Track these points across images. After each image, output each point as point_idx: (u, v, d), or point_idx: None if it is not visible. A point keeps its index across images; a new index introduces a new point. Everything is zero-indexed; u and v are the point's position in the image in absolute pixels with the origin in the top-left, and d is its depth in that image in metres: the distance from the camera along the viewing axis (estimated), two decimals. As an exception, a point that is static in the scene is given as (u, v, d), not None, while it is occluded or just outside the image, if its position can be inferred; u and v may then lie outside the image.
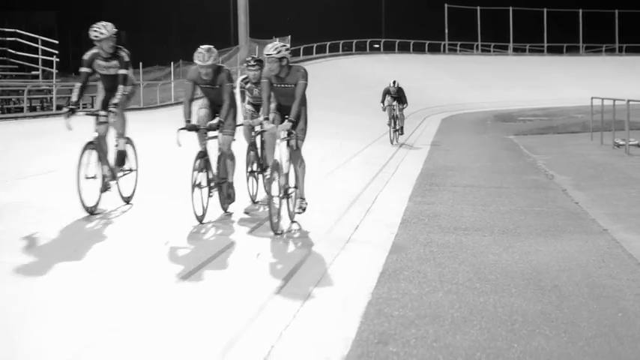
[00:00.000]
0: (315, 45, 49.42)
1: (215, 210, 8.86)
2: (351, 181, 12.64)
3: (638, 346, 4.79)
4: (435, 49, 60.72)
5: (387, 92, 21.35)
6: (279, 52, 8.14)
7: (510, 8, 67.51)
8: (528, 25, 66.19)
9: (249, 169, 10.11)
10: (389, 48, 57.02)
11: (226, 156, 9.10)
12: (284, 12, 61.55)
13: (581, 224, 8.94)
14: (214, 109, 8.95)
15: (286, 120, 8.17)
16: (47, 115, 21.96)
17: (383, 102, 21.25)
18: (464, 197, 11.08)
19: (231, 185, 9.14)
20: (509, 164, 15.58)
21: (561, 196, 11.12)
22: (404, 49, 58.13)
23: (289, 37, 45.37)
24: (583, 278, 6.41)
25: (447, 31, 64.18)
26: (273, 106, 8.46)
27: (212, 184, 8.80)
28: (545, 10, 68.27)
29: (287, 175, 8.30)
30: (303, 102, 8.36)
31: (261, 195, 9.96)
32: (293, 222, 8.58)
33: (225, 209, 9.16)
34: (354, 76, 43.77)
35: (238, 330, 5.03)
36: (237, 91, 9.93)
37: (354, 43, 53.43)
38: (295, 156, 8.40)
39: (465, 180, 12.98)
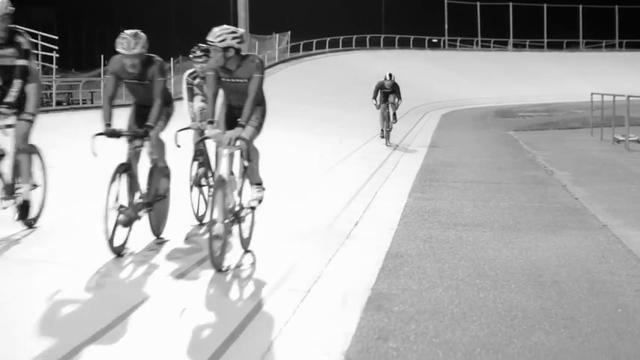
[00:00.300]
0: (314, 41, 49.41)
1: (141, 238, 7.25)
2: (351, 176, 12.65)
3: (637, 342, 4.79)
4: (435, 45, 60.75)
5: (380, 87, 19.27)
6: (222, 41, 6.60)
7: (510, 4, 67.52)
8: (528, 20, 66.19)
9: (195, 182, 8.62)
10: (389, 44, 57.00)
11: (158, 170, 7.54)
12: (284, 8, 61.50)
13: (581, 220, 8.93)
14: (143, 111, 7.35)
15: (237, 125, 6.71)
16: (47, 111, 21.95)
17: (375, 98, 19.28)
18: (464, 193, 11.08)
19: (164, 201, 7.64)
20: (509, 160, 15.57)
21: (561, 192, 11.12)
22: (404, 45, 58.11)
23: (289, 32, 45.46)
24: (583, 274, 6.41)
25: (446, 26, 64.19)
26: (220, 102, 7.09)
27: (140, 204, 7.17)
28: (545, 5, 68.28)
29: (240, 192, 6.98)
30: (259, 100, 6.93)
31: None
32: (247, 252, 7.06)
33: (158, 234, 7.57)
34: (354, 72, 43.72)
35: (238, 326, 5.03)
36: (183, 87, 8.85)
37: (353, 39, 53.40)
38: (249, 168, 7.09)
39: (465, 176, 12.97)
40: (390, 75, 19.38)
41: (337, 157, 15.46)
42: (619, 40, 69.46)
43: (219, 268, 6.30)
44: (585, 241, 7.74)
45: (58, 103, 23.87)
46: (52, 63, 24.51)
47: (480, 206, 9.85)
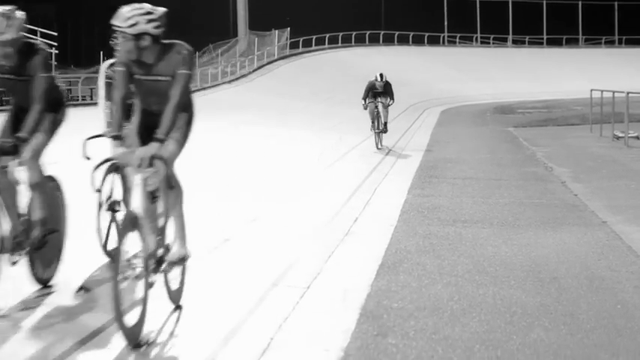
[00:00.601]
0: (314, 37, 49.39)
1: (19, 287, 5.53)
2: (350, 173, 12.66)
3: (636, 338, 4.80)
4: (434, 41, 60.66)
5: (371, 88, 17.74)
6: (133, 26, 4.90)
7: (510, 0, 67.45)
8: (528, 17, 66.12)
9: (107, 206, 6.59)
10: (388, 40, 56.97)
11: (38, 194, 5.58)
12: (283, 4, 61.43)
13: (581, 216, 8.94)
14: (24, 116, 5.41)
15: (153, 139, 4.83)
16: (46, 108, 21.94)
17: (365, 99, 17.75)
18: (463, 189, 11.08)
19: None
20: (509, 156, 15.58)
21: (560, 189, 11.12)
22: (403, 41, 58.08)
23: (288, 29, 45.46)
24: (582, 270, 6.41)
25: (446, 23, 64.12)
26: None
27: (16, 241, 5.34)
28: (544, 2, 68.23)
29: (162, 229, 5.11)
30: (184, 104, 5.11)
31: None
32: (177, 307, 5.30)
33: (45, 281, 5.65)
34: (353, 68, 43.66)
35: (238, 322, 5.03)
36: (100, 82, 7.31)
37: (353, 36, 53.37)
38: (165, 193, 5.03)
39: (464, 172, 12.97)
40: (382, 75, 17.74)
41: (336, 154, 15.47)
42: (618, 37, 69.42)
43: (134, 344, 4.50)
44: (585, 237, 7.74)
45: (58, 99, 23.84)
46: (51, 59, 24.49)
47: (479, 203, 9.85)
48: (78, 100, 25.11)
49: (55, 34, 25.37)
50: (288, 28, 46.14)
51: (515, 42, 66.30)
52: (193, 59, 5.18)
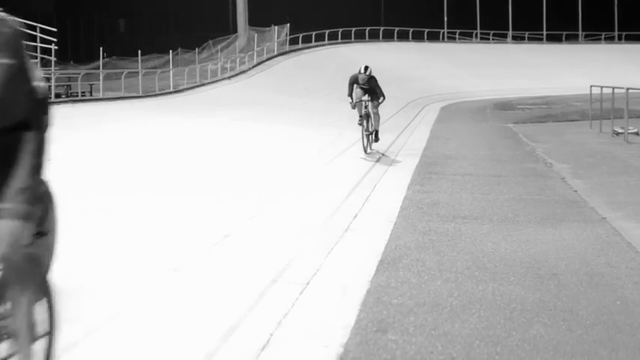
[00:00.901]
0: (313, 33, 49.38)
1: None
2: (350, 169, 12.66)
3: (636, 334, 4.80)
4: (434, 38, 60.64)
5: (354, 81, 15.60)
6: None
7: (510, -4, 67.43)
8: (527, 13, 66.09)
9: None
10: (388, 36, 56.95)
11: None
12: (282, 0, 61.42)
13: (580, 212, 8.94)
14: None
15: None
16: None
17: (351, 95, 15.53)
18: (463, 186, 11.08)
19: None
20: (508, 153, 15.58)
21: (560, 185, 11.12)
22: (403, 37, 58.07)
23: (288, 25, 45.42)
24: (582, 266, 6.41)
25: (446, 19, 64.11)
26: None
27: None
28: (544, -2, 68.23)
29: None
30: (32, 117, 2.95)
31: None
32: None
33: None
34: (353, 64, 43.49)
35: (237, 318, 5.03)
36: None
37: (352, 32, 53.35)
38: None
39: (464, 168, 12.97)
40: (366, 68, 15.50)
41: (336, 150, 15.47)
42: (618, 33, 69.40)
43: None
44: (584, 233, 7.74)
45: (57, 96, 23.84)
46: (50, 55, 24.45)
47: (479, 199, 9.86)
48: (77, 96, 25.08)
49: (55, 30, 25.29)
50: (288, 24, 46.10)
51: (515, 38, 66.29)
52: (21, 41, 3.03)
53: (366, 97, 15.26)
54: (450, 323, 4.94)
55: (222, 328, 4.84)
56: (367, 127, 15.15)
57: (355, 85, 15.34)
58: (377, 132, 15.58)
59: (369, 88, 15.27)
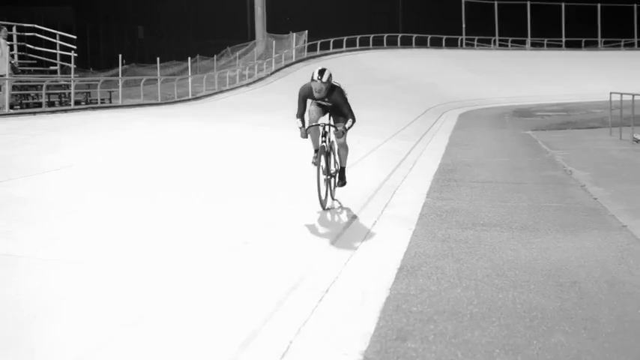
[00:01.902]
0: (332, 40, 49.37)
1: None
2: (369, 176, 12.62)
3: (658, 343, 4.76)
4: (452, 44, 60.50)
5: (306, 94, 9.46)
6: None
7: (528, 2, 67.19)
8: (546, 19, 65.89)
9: None
10: (406, 43, 56.88)
11: None
12: (301, 7, 61.51)
13: (600, 220, 8.88)
14: None
15: None
16: (65, 110, 22.06)
17: (301, 116, 9.43)
18: (482, 193, 11.04)
19: None
20: (528, 160, 15.51)
21: (580, 192, 11.06)
22: (421, 43, 57.98)
23: (306, 32, 45.43)
24: (602, 274, 6.38)
25: (464, 25, 63.95)
26: None
27: None
28: (563, 4, 67.94)
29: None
30: None
31: None
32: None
33: None
34: (371, 70, 43.70)
35: (256, 326, 5.03)
36: None
37: (370, 38, 53.33)
38: None
39: (483, 175, 12.93)
40: (322, 72, 9.35)
41: (355, 157, 15.44)
42: (638, 39, 68.96)
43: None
44: (605, 241, 7.70)
45: (77, 103, 23.95)
46: (70, 62, 24.57)
47: (498, 206, 9.82)
48: (97, 103, 25.19)
49: (75, 37, 25.41)
50: (306, 31, 46.09)
51: (533, 45, 66.00)
52: None
53: (325, 119, 9.73)
54: (470, 331, 4.93)
55: (242, 336, 4.85)
56: (327, 166, 9.64)
57: (309, 102, 9.61)
58: (343, 170, 10.06)
59: (331, 105, 9.52)
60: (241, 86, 35.30)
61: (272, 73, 39.61)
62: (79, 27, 45.79)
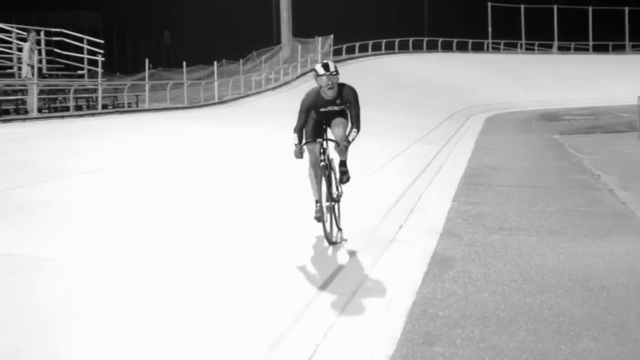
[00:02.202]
0: (357, 44, 49.35)
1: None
2: (394, 180, 12.61)
3: (688, 350, 4.71)
4: (478, 48, 60.25)
5: (312, 104, 7.82)
6: None
7: (555, 6, 66.79)
8: (573, 23, 65.48)
9: None
10: (432, 47, 56.72)
11: None
12: (327, 11, 61.54)
13: (629, 225, 8.80)
14: None
15: None
16: (93, 114, 22.20)
17: (300, 131, 7.63)
18: (508, 197, 10.98)
19: None
20: (555, 164, 15.41)
21: (608, 197, 10.97)
22: (447, 47, 57.80)
23: (332, 36, 45.40)
24: (631, 279, 6.32)
25: (490, 29, 63.69)
26: None
27: None
28: (590, 8, 67.47)
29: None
30: None
31: None
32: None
33: None
34: (397, 74, 43.61)
35: (284, 329, 5.04)
36: None
37: (396, 42, 53.24)
38: None
39: (510, 180, 12.86)
40: (325, 65, 7.75)
41: (380, 161, 15.42)
42: (666, 43, 68.41)
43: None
44: (633, 246, 7.63)
45: (104, 107, 24.09)
46: (97, 67, 24.72)
47: (525, 210, 9.76)
48: (124, 107, 25.32)
49: (102, 42, 25.56)
50: (332, 35, 46.06)
51: (560, 48, 65.59)
52: None
53: (328, 131, 8.08)
54: (498, 336, 4.90)
55: (269, 339, 4.85)
56: (328, 190, 7.93)
57: (312, 114, 7.91)
58: (344, 164, 8.20)
59: (342, 107, 8.01)
60: (267, 90, 35.37)
61: (297, 77, 39.65)
62: (107, 32, 46.08)
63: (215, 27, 64.38)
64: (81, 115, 21.74)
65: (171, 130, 19.92)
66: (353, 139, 7.80)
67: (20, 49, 21.15)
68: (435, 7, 68.39)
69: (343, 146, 7.78)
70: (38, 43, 22.55)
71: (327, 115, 7.96)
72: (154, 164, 12.98)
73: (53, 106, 22.39)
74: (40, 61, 21.87)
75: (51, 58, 24.97)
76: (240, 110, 27.60)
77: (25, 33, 21.99)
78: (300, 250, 7.46)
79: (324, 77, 7.65)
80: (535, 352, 4.63)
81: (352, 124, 7.88)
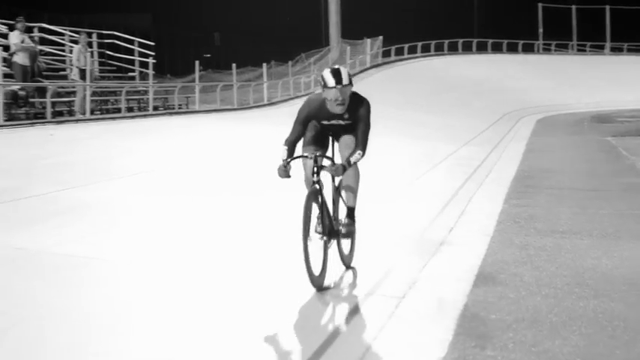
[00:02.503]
0: (406, 45, 49.21)
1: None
2: (444, 183, 12.55)
3: None
4: (529, 49, 59.70)
5: (313, 114, 6.40)
6: None
7: (607, 7, 65.95)
8: (626, 23, 64.54)
9: None
10: (481, 48, 56.35)
11: None
12: (376, 12, 61.48)
13: (685, 229, 8.65)
14: None
15: None
16: (144, 116, 22.44)
17: (292, 144, 6.27)
18: (560, 200, 10.85)
19: None
20: (607, 166, 15.20)
21: (663, 200, 10.79)
22: (497, 49, 57.35)
23: (381, 37, 45.34)
24: (687, 284, 6.20)
25: (541, 30, 63.08)
26: None
27: None
28: (643, 8, 66.52)
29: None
30: None
31: None
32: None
33: None
34: (446, 76, 43.39)
35: (333, 331, 5.04)
36: None
37: (445, 44, 53.00)
38: None
39: (562, 182, 12.71)
40: (337, 72, 6.18)
41: (430, 163, 15.36)
42: None
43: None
44: (689, 250, 7.49)
45: (155, 108, 24.34)
46: (148, 69, 24.98)
47: (577, 213, 9.63)
48: (174, 108, 25.57)
49: (153, 44, 25.84)
50: (381, 37, 45.99)
51: (613, 49, 64.75)
52: None
53: (338, 146, 6.66)
54: (551, 340, 4.84)
55: (319, 340, 4.85)
56: (322, 221, 6.28)
57: (313, 123, 6.55)
58: (352, 212, 6.56)
59: (350, 123, 6.41)
60: (316, 92, 35.44)
61: (346, 79, 39.65)
62: (157, 34, 46.58)
63: (264, 29, 64.69)
64: (132, 117, 22.00)
65: (222, 130, 20.07)
66: (355, 162, 6.21)
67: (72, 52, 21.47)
68: (484, 8, 67.93)
69: (340, 166, 6.10)
70: (90, 45, 22.85)
71: (333, 129, 6.55)
72: (205, 165, 13.08)
73: (105, 108, 22.68)
74: (91, 63, 22.15)
75: (102, 60, 25.31)
76: (290, 112, 27.58)
77: (77, 35, 22.32)
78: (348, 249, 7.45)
79: (334, 90, 6.11)
80: (589, 356, 4.56)
81: (357, 145, 6.24)
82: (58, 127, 17.90)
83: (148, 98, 24.22)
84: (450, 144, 19.35)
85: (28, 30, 20.81)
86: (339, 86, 6.09)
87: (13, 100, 18.55)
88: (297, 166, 6.23)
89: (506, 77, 46.52)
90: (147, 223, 8.31)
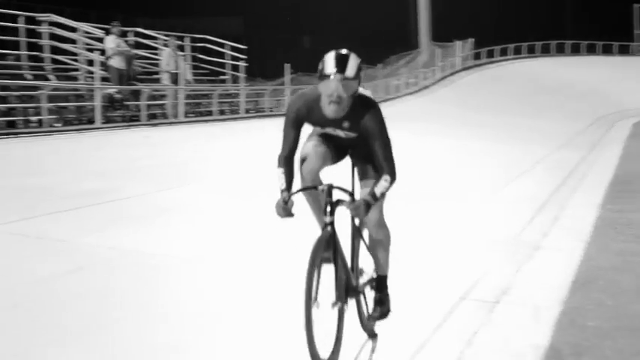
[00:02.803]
0: (497, 48, 48.68)
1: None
2: (537, 187, 12.33)
3: None
4: (624, 51, 58.30)
5: (303, 115, 4.47)
6: None
7: None
8: None
9: None
10: (574, 50, 55.32)
11: None
12: (466, 15, 60.93)
13: None
14: None
15: None
16: (235, 119, 22.73)
17: (288, 161, 4.45)
18: (660, 205, 10.53)
19: None
20: None
21: None
22: (591, 51, 56.20)
23: (472, 40, 44.98)
24: None
25: (635, 32, 61.50)
26: None
27: None
28: None
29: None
30: None
31: None
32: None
33: None
34: (538, 78, 42.70)
35: (426, 335, 4.99)
36: None
37: (538, 46, 52.22)
38: None
39: (661, 187, 12.34)
40: (341, 59, 4.29)
41: (522, 167, 15.12)
42: None
43: None
44: None
45: (246, 111, 24.62)
46: (239, 72, 25.28)
47: (678, 219, 9.34)
48: (264, 111, 25.82)
49: (244, 47, 26.14)
50: (472, 39, 45.64)
51: None
52: None
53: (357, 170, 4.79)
54: (652, 349, 4.70)
55: (413, 344, 4.82)
56: (337, 279, 4.35)
57: (315, 133, 4.72)
58: (382, 282, 4.94)
59: (355, 136, 4.51)
60: (406, 94, 35.35)
61: (437, 82, 39.47)
62: (248, 37, 47.09)
63: (354, 32, 64.76)
64: (224, 120, 22.30)
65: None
66: (382, 193, 4.35)
67: (165, 56, 21.89)
68: (577, 10, 66.64)
69: (362, 202, 4.31)
70: (181, 49, 23.26)
71: (341, 137, 4.58)
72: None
73: (198, 111, 23.05)
74: (183, 67, 22.56)
75: (195, 63, 25.73)
76: (384, 113, 27.56)
77: (167, 39, 22.78)
78: (437, 254, 7.38)
79: (332, 82, 4.27)
80: (692, 367, 4.42)
81: (381, 169, 4.42)
82: (152, 130, 18.27)
83: (239, 101, 24.51)
84: (543, 147, 19.01)
85: (123, 34, 21.30)
86: (339, 76, 4.22)
87: (110, 103, 19.02)
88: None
89: (599, 80, 45.48)
90: (243, 226, 8.38)
